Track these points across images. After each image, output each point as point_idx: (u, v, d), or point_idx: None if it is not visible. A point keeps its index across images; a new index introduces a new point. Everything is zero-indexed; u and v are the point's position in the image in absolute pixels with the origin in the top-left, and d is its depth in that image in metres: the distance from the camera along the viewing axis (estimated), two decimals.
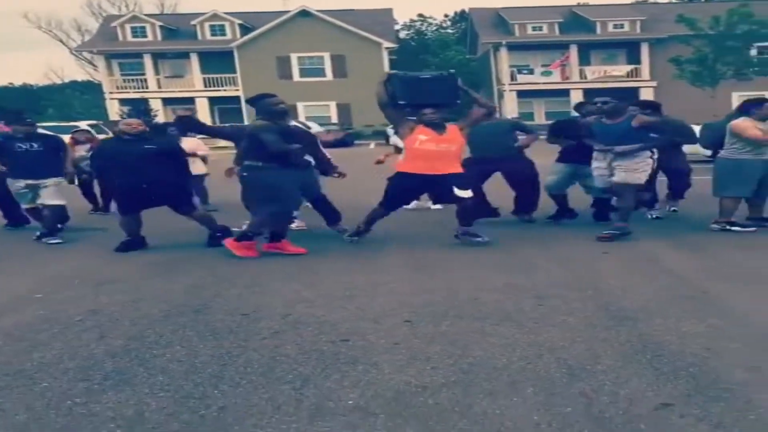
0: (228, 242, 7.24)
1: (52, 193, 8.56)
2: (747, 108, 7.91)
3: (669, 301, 5.14)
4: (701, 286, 5.55)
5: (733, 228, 7.92)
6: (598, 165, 7.88)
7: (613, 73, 44.70)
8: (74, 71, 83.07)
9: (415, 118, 7.50)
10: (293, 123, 8.40)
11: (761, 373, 3.68)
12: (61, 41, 62.47)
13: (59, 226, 8.67)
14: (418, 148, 7.34)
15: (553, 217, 9.00)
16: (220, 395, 3.55)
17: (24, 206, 9.12)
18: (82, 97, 59.73)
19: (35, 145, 8.55)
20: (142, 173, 7.38)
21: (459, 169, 7.48)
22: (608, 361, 3.90)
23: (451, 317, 4.82)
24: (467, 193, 7.32)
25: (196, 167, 10.69)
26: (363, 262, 6.83)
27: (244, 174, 7.25)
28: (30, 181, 8.59)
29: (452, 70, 8.31)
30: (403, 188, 7.59)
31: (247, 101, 7.59)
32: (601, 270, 6.24)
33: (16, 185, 8.73)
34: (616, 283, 5.71)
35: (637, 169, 7.57)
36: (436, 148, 7.30)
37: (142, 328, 4.75)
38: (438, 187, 7.48)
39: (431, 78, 7.75)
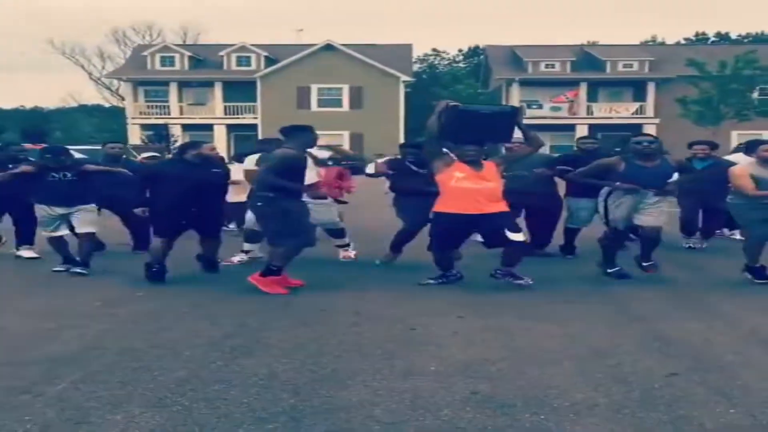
0: (253, 278, 6.88)
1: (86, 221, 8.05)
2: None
3: None
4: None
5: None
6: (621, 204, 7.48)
7: (619, 110, 46.48)
8: (91, 96, 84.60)
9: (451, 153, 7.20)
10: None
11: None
12: (82, 67, 63.78)
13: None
14: (455, 186, 6.95)
15: (562, 250, 9.18)
16: (327, 363, 4.62)
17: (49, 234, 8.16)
18: (91, 119, 61.41)
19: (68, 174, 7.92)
20: (195, 198, 7.34)
21: (503, 208, 7.06)
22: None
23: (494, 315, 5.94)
24: (519, 236, 7.01)
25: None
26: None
27: (259, 204, 7.03)
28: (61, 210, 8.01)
29: (516, 105, 7.84)
30: (447, 229, 7.11)
31: (284, 130, 7.18)
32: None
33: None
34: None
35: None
36: (474, 186, 6.90)
37: (241, 319, 5.78)
38: (484, 226, 7.08)
39: (491, 113, 7.24)
